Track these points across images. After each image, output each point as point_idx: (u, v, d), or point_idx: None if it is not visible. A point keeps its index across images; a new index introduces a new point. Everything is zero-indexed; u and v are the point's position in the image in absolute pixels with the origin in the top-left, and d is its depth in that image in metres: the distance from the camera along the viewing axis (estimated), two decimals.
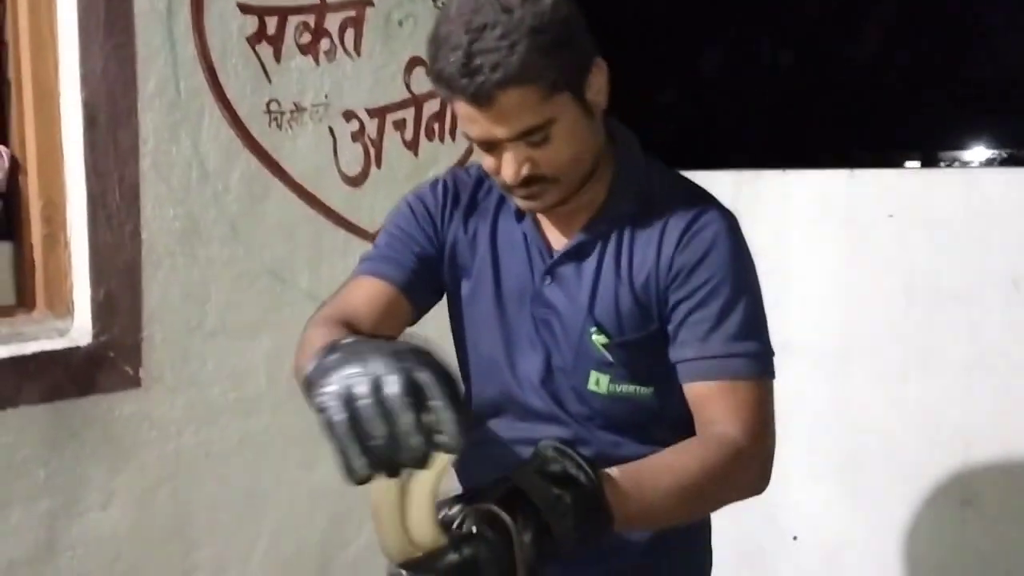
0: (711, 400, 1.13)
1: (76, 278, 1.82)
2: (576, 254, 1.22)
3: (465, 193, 1.29)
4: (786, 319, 2.39)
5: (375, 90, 2.21)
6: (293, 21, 2.04)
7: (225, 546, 2.00)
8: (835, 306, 2.32)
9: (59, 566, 1.78)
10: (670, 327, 1.18)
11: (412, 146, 2.30)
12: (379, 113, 2.22)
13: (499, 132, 1.07)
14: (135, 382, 1.84)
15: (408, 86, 2.28)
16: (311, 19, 2.07)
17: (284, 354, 1.90)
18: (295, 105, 2.05)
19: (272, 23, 2.00)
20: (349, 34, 2.14)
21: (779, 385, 2.45)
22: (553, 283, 1.22)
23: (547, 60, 1.04)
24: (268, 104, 2.01)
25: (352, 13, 2.14)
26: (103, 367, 1.80)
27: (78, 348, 1.78)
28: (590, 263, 1.21)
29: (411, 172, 2.27)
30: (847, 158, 2.28)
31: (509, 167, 1.10)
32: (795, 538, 2.42)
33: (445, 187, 1.30)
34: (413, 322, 1.27)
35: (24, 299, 1.85)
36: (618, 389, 1.21)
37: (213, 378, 1.95)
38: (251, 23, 1.97)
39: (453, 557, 0.82)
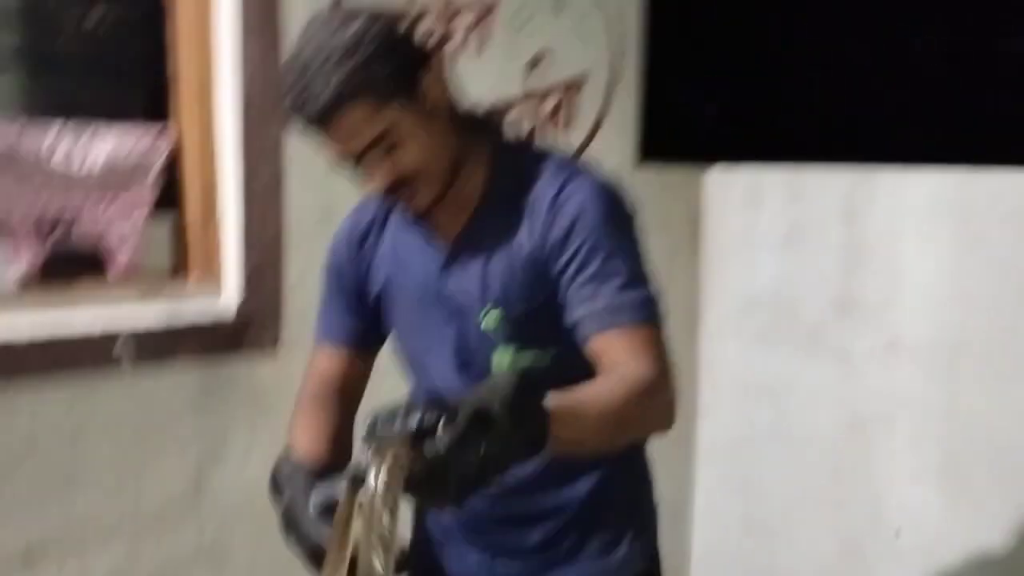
0: (610, 347, 1.20)
1: (227, 252, 2.01)
2: (464, 247, 1.31)
3: (364, 224, 1.42)
4: (897, 317, 2.41)
5: (497, 87, 2.32)
6: (423, 23, 2.18)
7: None
8: (946, 306, 2.32)
9: (203, 509, 1.98)
10: (560, 295, 1.25)
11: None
12: (500, 109, 2.33)
13: (348, 148, 1.20)
14: (274, 347, 2.03)
15: (527, 83, 2.40)
16: (439, 21, 2.21)
17: None
18: None
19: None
20: (474, 34, 2.27)
21: (889, 380, 2.49)
22: (450, 277, 1.32)
23: (366, 76, 1.15)
24: None
25: (478, 15, 2.27)
26: (247, 333, 1.99)
27: (227, 314, 1.97)
28: (478, 253, 1.30)
29: None
30: (964, 157, 2.26)
31: (375, 175, 1.22)
32: (898, 533, 2.44)
33: (348, 231, 1.44)
34: (371, 361, 1.48)
35: (181, 268, 2.04)
36: (520, 360, 1.30)
37: None
38: None
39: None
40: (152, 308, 1.91)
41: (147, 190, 1.94)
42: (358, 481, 0.91)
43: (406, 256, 1.37)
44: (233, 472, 2.01)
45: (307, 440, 1.37)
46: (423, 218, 1.32)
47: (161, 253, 2.05)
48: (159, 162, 1.95)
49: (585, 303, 1.22)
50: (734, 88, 3.01)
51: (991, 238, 2.23)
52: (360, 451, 0.93)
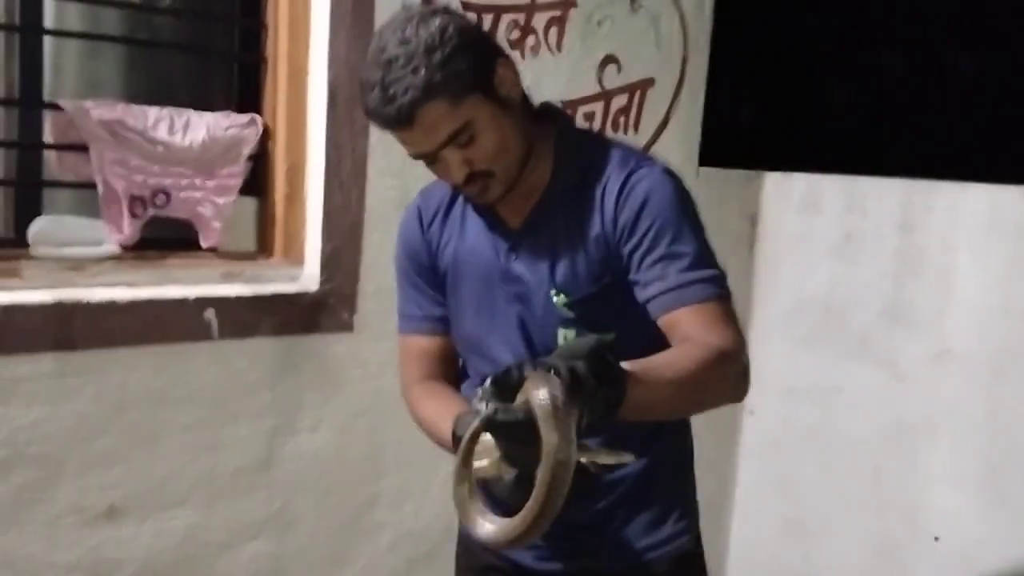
0: (684, 322, 1.25)
1: (309, 233, 2.09)
2: (533, 230, 1.37)
3: (433, 209, 1.46)
4: (947, 327, 2.46)
5: (570, 84, 2.41)
6: (506, 19, 2.26)
7: (408, 477, 2.26)
8: (996, 318, 2.36)
9: (273, 477, 2.08)
10: (631, 276, 1.31)
11: None
12: (572, 105, 2.42)
13: (428, 145, 1.24)
14: (349, 326, 2.11)
15: (600, 81, 2.47)
16: (521, 17, 2.28)
17: None
18: None
19: (488, 20, 2.22)
20: (552, 32, 2.34)
21: (935, 388, 2.52)
22: (518, 259, 1.37)
23: (446, 73, 1.20)
24: None
25: (557, 13, 2.34)
26: (324, 311, 2.08)
27: (306, 293, 2.05)
28: (546, 235, 1.36)
29: None
30: (1021, 175, 2.31)
31: (450, 172, 1.28)
32: (936, 539, 2.49)
33: (418, 213, 1.48)
34: None
35: (265, 247, 2.14)
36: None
37: None
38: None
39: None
40: (237, 283, 2.00)
41: (238, 170, 2.04)
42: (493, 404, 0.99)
43: (473, 239, 1.42)
44: (304, 444, 2.10)
45: (449, 415, 1.28)
46: (494, 206, 1.37)
47: (247, 233, 2.15)
48: (250, 144, 2.04)
49: (657, 281, 1.28)
50: (794, 97, 3.07)
51: None
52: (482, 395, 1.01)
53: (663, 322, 1.28)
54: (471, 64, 1.23)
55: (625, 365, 1.08)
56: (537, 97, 1.41)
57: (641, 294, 1.30)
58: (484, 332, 1.43)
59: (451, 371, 1.51)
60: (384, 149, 2.10)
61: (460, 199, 1.45)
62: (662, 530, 1.47)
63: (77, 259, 1.87)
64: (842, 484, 2.70)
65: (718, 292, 1.28)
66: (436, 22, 1.22)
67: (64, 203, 1.98)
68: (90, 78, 2.08)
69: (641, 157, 1.38)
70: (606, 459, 1.07)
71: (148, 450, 1.91)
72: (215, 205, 2.01)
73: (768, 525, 2.89)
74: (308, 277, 2.09)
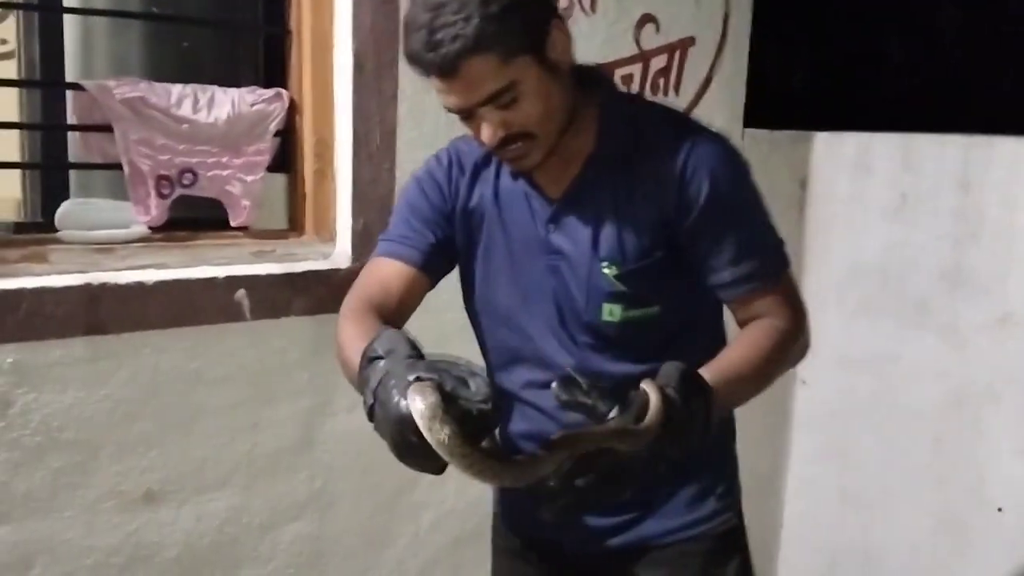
0: (753, 304, 1.29)
1: (340, 209, 2.05)
2: (575, 200, 1.30)
3: (467, 161, 1.38)
4: (1010, 289, 2.34)
5: (606, 46, 2.32)
6: None
7: None
8: None
9: (313, 458, 2.05)
10: (694, 256, 1.29)
11: None
12: (608, 68, 2.33)
13: (469, 99, 1.17)
14: None
15: (637, 42, 2.38)
16: None
17: None
18: None
19: None
20: None
21: (997, 354, 2.42)
22: (557, 230, 1.31)
23: (500, 27, 1.12)
24: None
25: None
26: None
27: (338, 270, 2.00)
28: (590, 205, 1.29)
29: None
30: None
31: (486, 131, 1.20)
32: (1000, 510, 2.39)
33: (449, 158, 1.40)
34: (430, 289, 1.40)
35: (295, 225, 2.11)
36: (631, 314, 1.31)
37: (447, 306, 2.13)
38: None
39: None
40: (268, 262, 1.97)
41: (266, 147, 2.00)
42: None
43: (509, 207, 1.35)
44: (341, 424, 2.07)
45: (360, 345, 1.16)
46: (531, 173, 1.31)
47: (277, 210, 2.11)
48: (277, 120, 2.00)
49: (727, 269, 1.27)
50: (842, 52, 2.95)
51: None
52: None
53: (733, 303, 1.32)
54: (526, 22, 1.16)
55: (705, 375, 1.15)
56: None
57: (711, 278, 1.30)
58: (517, 304, 1.37)
59: (403, 312, 1.36)
60: (414, 120, 2.05)
61: (494, 162, 1.38)
62: (705, 506, 1.43)
63: (105, 242, 1.85)
64: (901, 456, 2.61)
65: (782, 266, 1.32)
66: None
67: (91, 186, 1.97)
68: (114, 57, 2.06)
69: (696, 126, 1.32)
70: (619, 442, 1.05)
71: (185, 433, 1.89)
72: (243, 183, 1.98)
73: (824, 499, 2.80)
74: (340, 254, 2.04)
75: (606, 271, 1.29)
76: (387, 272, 1.37)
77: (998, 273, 2.37)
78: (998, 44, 2.78)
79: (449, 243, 1.39)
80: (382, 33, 1.98)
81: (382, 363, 1.06)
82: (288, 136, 2.07)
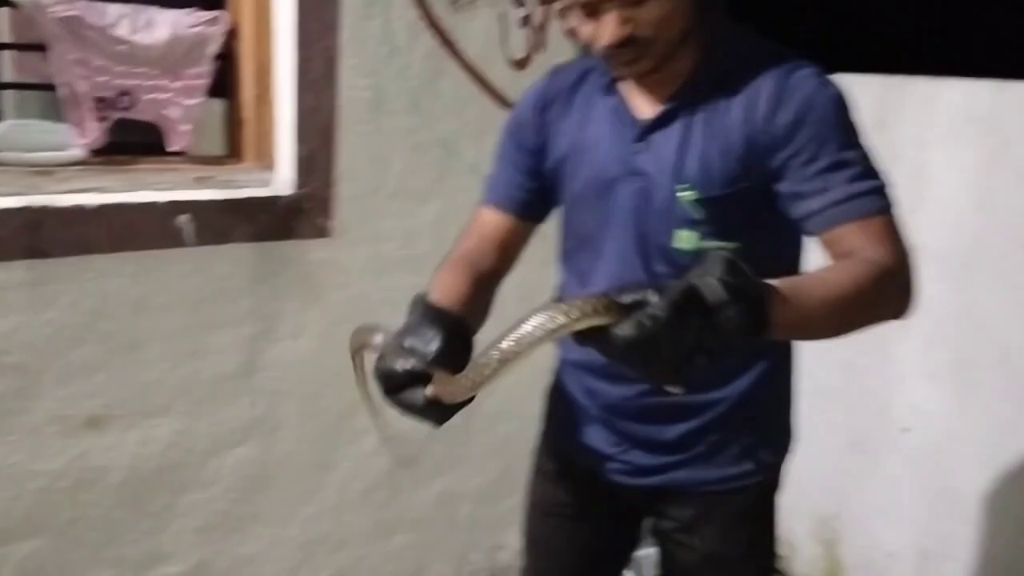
0: (846, 238, 1.17)
1: (281, 135, 2.04)
2: (664, 121, 1.27)
3: (557, 91, 1.38)
4: (921, 222, 2.47)
5: None
6: None
7: None
8: (970, 213, 2.38)
9: (256, 384, 2.07)
10: (783, 185, 1.22)
11: (573, 33, 2.44)
12: (547, 1, 2.35)
13: None
14: (326, 232, 2.08)
15: None
16: None
17: (449, 219, 2.10)
18: None
19: None
20: None
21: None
22: (643, 151, 1.28)
23: None
24: None
25: None
26: (300, 216, 2.04)
27: (280, 197, 2.01)
28: (677, 127, 1.26)
29: (571, 57, 2.41)
30: (996, 69, 2.30)
31: (609, 28, 1.16)
32: (905, 430, 2.55)
33: (536, 94, 1.40)
34: (535, 228, 1.45)
35: (234, 151, 2.09)
36: (706, 245, 1.25)
37: (390, 235, 2.18)
38: None
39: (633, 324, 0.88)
40: (209, 188, 1.96)
41: (205, 70, 1.97)
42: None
43: (595, 128, 1.33)
44: (284, 350, 2.09)
45: (444, 293, 1.26)
46: (633, 82, 1.28)
47: (216, 136, 2.09)
48: (216, 43, 1.97)
49: (820, 194, 1.19)
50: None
51: (1017, 149, 2.28)
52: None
53: (825, 237, 1.20)
54: None
55: (773, 283, 1.01)
56: None
57: (800, 207, 1.21)
58: (598, 226, 1.34)
59: (497, 263, 1.41)
60: (356, 46, 2.05)
61: (585, 86, 1.36)
62: (750, 462, 1.42)
63: (43, 164, 1.81)
64: (814, 380, 2.73)
65: (885, 204, 1.20)
66: None
67: (26, 107, 1.92)
68: None
69: (796, 59, 1.26)
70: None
71: (128, 358, 1.89)
72: (182, 107, 1.96)
73: None
74: (281, 181, 2.04)
75: (682, 194, 1.25)
76: (485, 221, 1.43)
77: (909, 207, 2.47)
78: None
79: (544, 180, 1.40)
80: None
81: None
82: (227, 61, 2.04)
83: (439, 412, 1.07)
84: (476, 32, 2.24)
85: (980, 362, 2.39)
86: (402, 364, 1.08)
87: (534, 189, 1.41)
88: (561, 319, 0.90)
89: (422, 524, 2.42)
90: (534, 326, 0.91)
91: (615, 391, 1.38)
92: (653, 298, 0.90)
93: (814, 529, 2.82)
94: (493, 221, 1.43)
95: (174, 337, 1.93)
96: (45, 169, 1.81)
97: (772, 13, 2.98)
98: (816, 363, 2.71)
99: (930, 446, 2.50)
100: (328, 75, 2.02)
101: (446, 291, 1.27)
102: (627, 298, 0.91)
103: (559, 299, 1.36)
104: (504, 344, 0.94)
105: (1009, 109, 2.30)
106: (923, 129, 2.46)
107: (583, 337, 0.92)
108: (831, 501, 2.76)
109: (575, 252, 1.41)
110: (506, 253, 1.43)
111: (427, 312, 1.15)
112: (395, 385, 1.08)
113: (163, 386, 1.94)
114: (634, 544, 1.63)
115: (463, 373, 1.02)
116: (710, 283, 0.92)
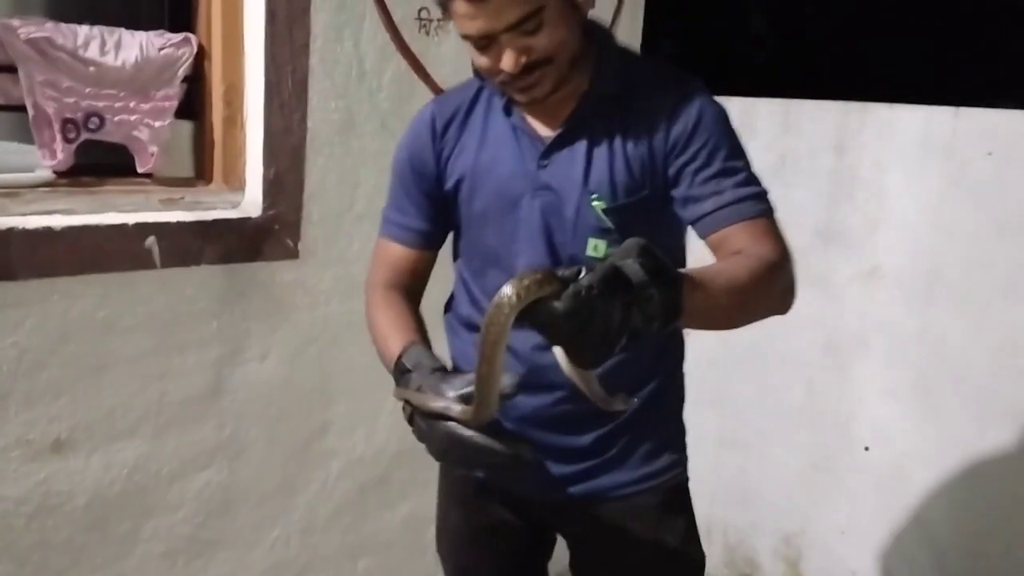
0: (735, 237, 1.26)
1: (249, 157, 2.04)
2: (567, 138, 1.34)
3: (449, 115, 1.42)
4: (879, 244, 2.53)
5: None
6: None
7: (357, 405, 2.26)
8: (927, 236, 2.44)
9: (223, 406, 2.05)
10: (678, 191, 1.30)
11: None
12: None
13: (497, 24, 1.19)
14: (294, 254, 2.08)
15: None
16: None
17: None
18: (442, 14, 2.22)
19: None
20: None
21: (867, 305, 2.60)
22: (548, 167, 1.34)
23: None
24: (419, 12, 2.19)
25: None
26: (268, 238, 2.03)
27: (249, 219, 2.01)
28: (581, 143, 1.33)
29: None
30: (953, 96, 2.36)
31: (509, 57, 1.22)
32: (867, 449, 2.60)
33: (429, 121, 1.43)
34: (438, 252, 1.51)
35: (203, 173, 2.08)
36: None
37: (358, 256, 2.18)
38: None
39: (569, 299, 0.93)
40: (177, 210, 1.95)
41: (174, 92, 1.97)
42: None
43: (494, 149, 1.38)
44: (252, 372, 2.08)
45: (399, 334, 1.35)
46: (529, 106, 1.34)
47: (184, 158, 2.08)
48: (185, 65, 1.97)
49: (711, 198, 1.27)
50: (720, 26, 3.08)
51: (974, 174, 2.34)
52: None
53: (714, 238, 1.28)
54: None
55: (682, 271, 1.07)
56: None
57: (693, 210, 1.29)
58: (506, 243, 1.39)
59: (418, 285, 1.50)
60: (326, 69, 2.06)
61: (479, 107, 1.41)
62: (660, 460, 1.48)
63: (10, 185, 1.80)
64: (777, 399, 2.79)
65: (769, 207, 1.30)
66: None
67: None
68: None
69: (681, 75, 1.36)
70: (601, 401, 1.08)
71: (94, 381, 1.87)
72: (151, 128, 1.95)
73: (704, 441, 2.97)
74: (250, 203, 2.04)
75: (595, 203, 1.32)
76: (393, 255, 1.48)
77: (868, 230, 2.56)
78: (875, 20, 2.96)
79: (443, 205, 1.45)
80: None
81: (413, 375, 1.23)
82: (196, 82, 2.04)
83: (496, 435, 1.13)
84: (445, 55, 2.26)
85: (940, 382, 2.44)
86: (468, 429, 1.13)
87: (434, 218, 1.46)
88: (514, 297, 0.94)
89: (389, 548, 2.41)
90: (492, 316, 0.96)
91: (530, 402, 1.39)
92: (584, 274, 0.95)
93: (777, 547, 2.85)
94: (399, 254, 1.48)
95: (141, 360, 1.92)
96: (12, 191, 1.79)
97: (731, 40, 3.05)
98: (778, 383, 2.77)
99: (891, 464, 2.55)
100: (298, 97, 2.03)
101: (412, 330, 1.37)
102: (561, 272, 0.96)
103: (468, 321, 1.46)
104: (481, 348, 0.99)
105: (966, 135, 2.36)
106: (882, 154, 2.53)
107: (524, 313, 0.96)
108: (794, 519, 2.79)
109: (483, 271, 1.45)
110: (421, 277, 1.51)
111: (433, 360, 1.25)
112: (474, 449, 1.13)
113: (129, 409, 1.92)
114: (549, 556, 1.67)
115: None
116: (631, 264, 0.98)
